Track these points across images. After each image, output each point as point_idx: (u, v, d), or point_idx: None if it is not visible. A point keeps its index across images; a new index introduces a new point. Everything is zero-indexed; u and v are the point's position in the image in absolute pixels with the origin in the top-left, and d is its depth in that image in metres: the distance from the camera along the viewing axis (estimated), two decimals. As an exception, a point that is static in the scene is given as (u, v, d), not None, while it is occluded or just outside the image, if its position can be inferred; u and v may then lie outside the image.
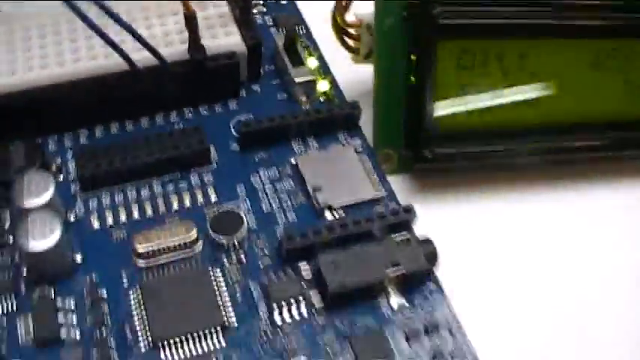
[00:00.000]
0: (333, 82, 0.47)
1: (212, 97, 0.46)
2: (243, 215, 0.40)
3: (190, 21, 0.41)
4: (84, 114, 0.44)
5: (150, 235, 0.39)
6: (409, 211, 0.40)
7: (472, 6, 0.43)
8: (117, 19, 0.39)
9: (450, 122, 0.45)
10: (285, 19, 0.50)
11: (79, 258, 0.39)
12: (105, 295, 0.37)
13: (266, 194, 0.42)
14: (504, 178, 0.48)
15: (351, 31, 0.47)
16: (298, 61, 0.46)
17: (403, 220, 0.39)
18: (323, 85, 0.47)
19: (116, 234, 0.40)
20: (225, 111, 0.46)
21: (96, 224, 0.40)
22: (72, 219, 0.40)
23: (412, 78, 0.44)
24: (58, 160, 0.42)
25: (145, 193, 0.41)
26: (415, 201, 0.41)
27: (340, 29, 0.47)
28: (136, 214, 0.40)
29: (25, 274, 0.38)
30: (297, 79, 0.45)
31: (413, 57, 0.44)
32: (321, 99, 0.46)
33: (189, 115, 0.45)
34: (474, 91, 0.45)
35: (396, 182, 0.45)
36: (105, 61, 0.42)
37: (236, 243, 0.39)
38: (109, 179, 0.41)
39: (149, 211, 0.41)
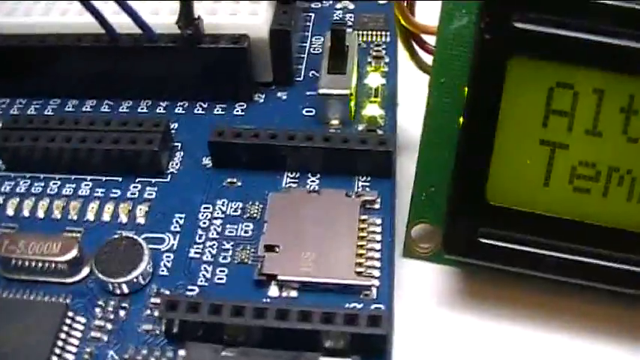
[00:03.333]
0: (390, 110, 0.32)
1: (213, 94, 0.33)
2: (146, 253, 0.27)
3: (178, -21, 0.31)
4: (46, 76, 0.34)
5: (18, 239, 0.28)
6: (377, 323, 0.24)
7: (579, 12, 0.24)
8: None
9: (523, 198, 0.26)
10: (369, 19, 0.36)
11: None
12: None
13: (207, 235, 0.28)
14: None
15: (428, 40, 0.32)
16: (338, 68, 0.32)
17: (371, 339, 0.24)
18: (370, 109, 0.32)
19: (5, 229, 0.29)
20: (226, 114, 0.33)
21: (-7, 209, 0.31)
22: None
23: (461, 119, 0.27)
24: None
25: (67, 190, 0.30)
26: (436, 312, 0.28)
27: (408, 34, 0.32)
28: (40, 212, 0.30)
29: None
30: (322, 90, 0.31)
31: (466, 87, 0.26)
32: (360, 126, 0.32)
33: (178, 109, 0.33)
34: (570, 157, 0.26)
35: (420, 276, 0.30)
36: (77, 17, 0.33)
37: (125, 289, 0.27)
38: (34, 162, 0.31)
39: (56, 213, 0.30)
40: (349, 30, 0.34)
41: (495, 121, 0.26)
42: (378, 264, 0.27)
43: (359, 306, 0.26)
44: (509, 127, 0.26)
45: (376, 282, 0.27)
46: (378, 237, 0.28)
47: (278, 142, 0.30)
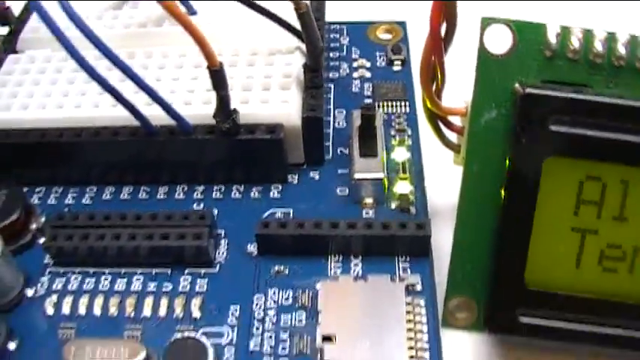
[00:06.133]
0: (419, 186, 0.35)
1: (248, 178, 0.36)
2: (210, 351, 0.29)
3: (216, 77, 0.32)
4: (82, 167, 0.36)
5: (84, 345, 0.30)
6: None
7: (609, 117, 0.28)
8: (125, 70, 0.32)
9: (557, 281, 0.30)
10: (388, 89, 0.39)
11: (12, 346, 0.31)
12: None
13: (263, 326, 0.31)
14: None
15: (453, 120, 0.36)
16: (370, 150, 0.35)
17: None
18: (401, 187, 0.35)
19: (63, 330, 0.31)
20: (262, 198, 0.36)
21: (49, 310, 0.32)
22: (30, 294, 0.33)
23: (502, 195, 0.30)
24: (43, 219, 0.35)
25: (119, 285, 0.33)
26: None
27: (435, 116, 0.35)
28: (97, 310, 0.32)
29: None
30: (357, 175, 0.34)
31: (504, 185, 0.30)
32: (393, 205, 0.35)
33: (216, 194, 0.36)
34: (599, 241, 0.30)
35: (458, 343, 0.33)
36: (112, 110, 0.35)
37: (191, 388, 0.30)
38: (82, 258, 0.33)
39: (112, 310, 0.32)
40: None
41: (532, 213, 0.30)
42: (427, 345, 0.30)
43: (414, 389, 0.29)
44: (545, 218, 0.30)
45: (427, 363, 0.30)
46: (424, 319, 0.31)
47: (322, 230, 0.32)
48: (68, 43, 0.32)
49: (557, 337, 0.31)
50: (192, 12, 0.39)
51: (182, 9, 0.38)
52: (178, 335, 0.30)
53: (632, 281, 0.30)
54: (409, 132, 0.38)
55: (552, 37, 0.30)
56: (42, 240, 0.35)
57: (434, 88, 0.33)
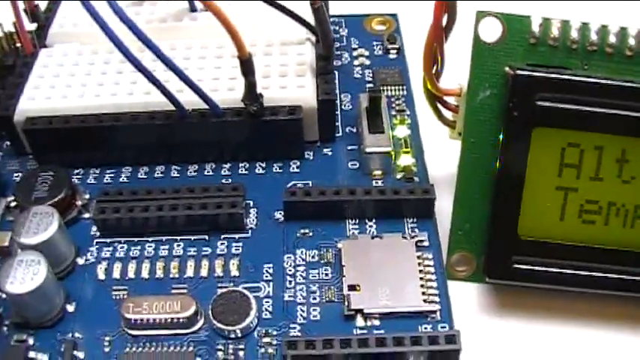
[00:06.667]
0: (420, 159, 0.41)
1: (269, 155, 0.41)
2: (253, 302, 0.35)
3: (245, 65, 0.37)
4: (118, 149, 0.41)
5: (141, 302, 0.35)
6: (452, 341, 0.33)
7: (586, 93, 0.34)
8: (165, 61, 0.36)
9: (545, 232, 0.36)
10: (386, 75, 0.45)
11: (70, 308, 0.36)
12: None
13: (295, 280, 0.36)
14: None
15: (449, 100, 0.41)
16: (377, 128, 0.40)
17: (445, 351, 0.33)
18: (404, 160, 0.41)
19: (116, 292, 0.36)
20: (283, 172, 0.41)
21: (101, 275, 0.37)
22: (81, 262, 0.38)
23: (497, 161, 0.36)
24: (87, 196, 0.40)
25: (162, 251, 0.38)
26: (480, 320, 0.37)
27: (433, 97, 0.41)
28: (144, 274, 0.37)
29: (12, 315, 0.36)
30: (368, 149, 0.40)
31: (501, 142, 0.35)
32: (399, 175, 0.40)
33: (241, 170, 0.41)
34: (579, 198, 0.36)
35: (462, 292, 0.38)
36: (145, 97, 0.40)
37: (239, 333, 0.35)
38: (126, 229, 0.38)
39: (159, 273, 0.37)
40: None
41: (523, 175, 0.35)
42: (436, 291, 0.36)
43: (429, 327, 0.34)
44: (534, 179, 0.36)
45: (439, 306, 0.35)
46: (432, 269, 0.36)
47: (342, 197, 0.38)
48: (115, 37, 0.36)
49: (546, 280, 0.37)
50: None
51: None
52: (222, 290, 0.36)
53: (608, 231, 0.36)
54: (407, 112, 0.43)
55: (535, 27, 0.36)
56: (86, 215, 0.40)
57: (434, 72, 0.39)
